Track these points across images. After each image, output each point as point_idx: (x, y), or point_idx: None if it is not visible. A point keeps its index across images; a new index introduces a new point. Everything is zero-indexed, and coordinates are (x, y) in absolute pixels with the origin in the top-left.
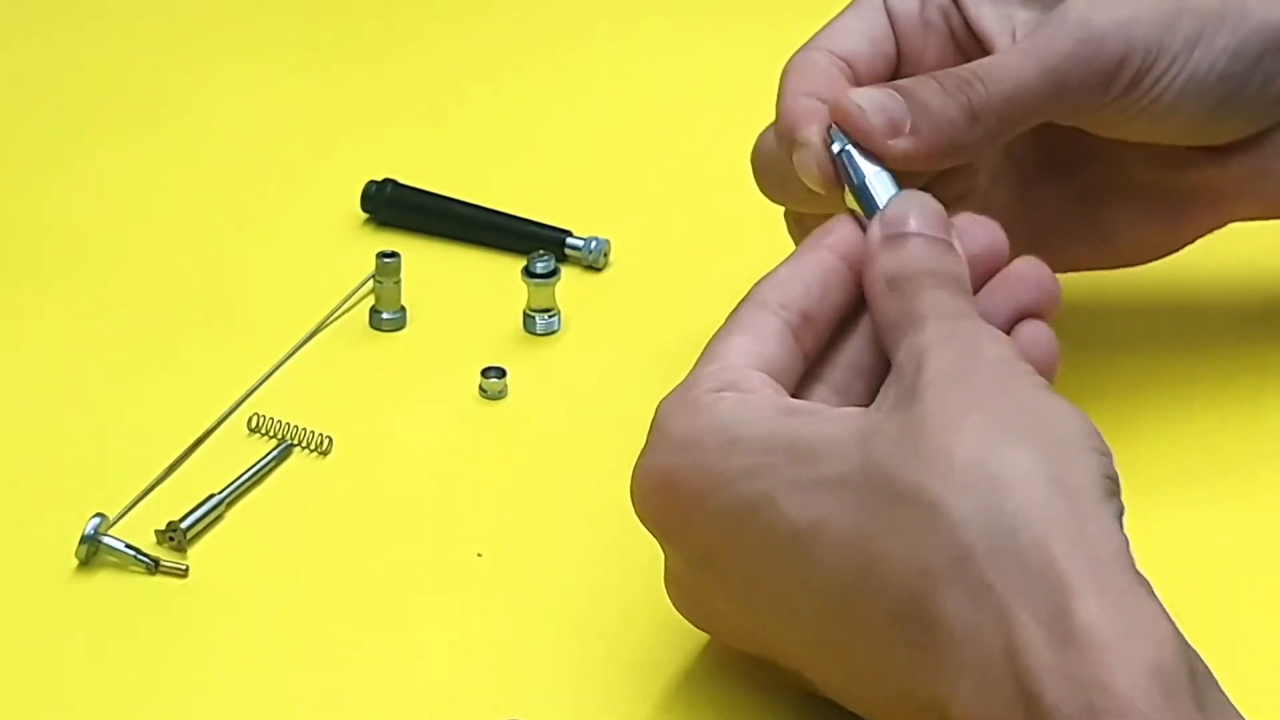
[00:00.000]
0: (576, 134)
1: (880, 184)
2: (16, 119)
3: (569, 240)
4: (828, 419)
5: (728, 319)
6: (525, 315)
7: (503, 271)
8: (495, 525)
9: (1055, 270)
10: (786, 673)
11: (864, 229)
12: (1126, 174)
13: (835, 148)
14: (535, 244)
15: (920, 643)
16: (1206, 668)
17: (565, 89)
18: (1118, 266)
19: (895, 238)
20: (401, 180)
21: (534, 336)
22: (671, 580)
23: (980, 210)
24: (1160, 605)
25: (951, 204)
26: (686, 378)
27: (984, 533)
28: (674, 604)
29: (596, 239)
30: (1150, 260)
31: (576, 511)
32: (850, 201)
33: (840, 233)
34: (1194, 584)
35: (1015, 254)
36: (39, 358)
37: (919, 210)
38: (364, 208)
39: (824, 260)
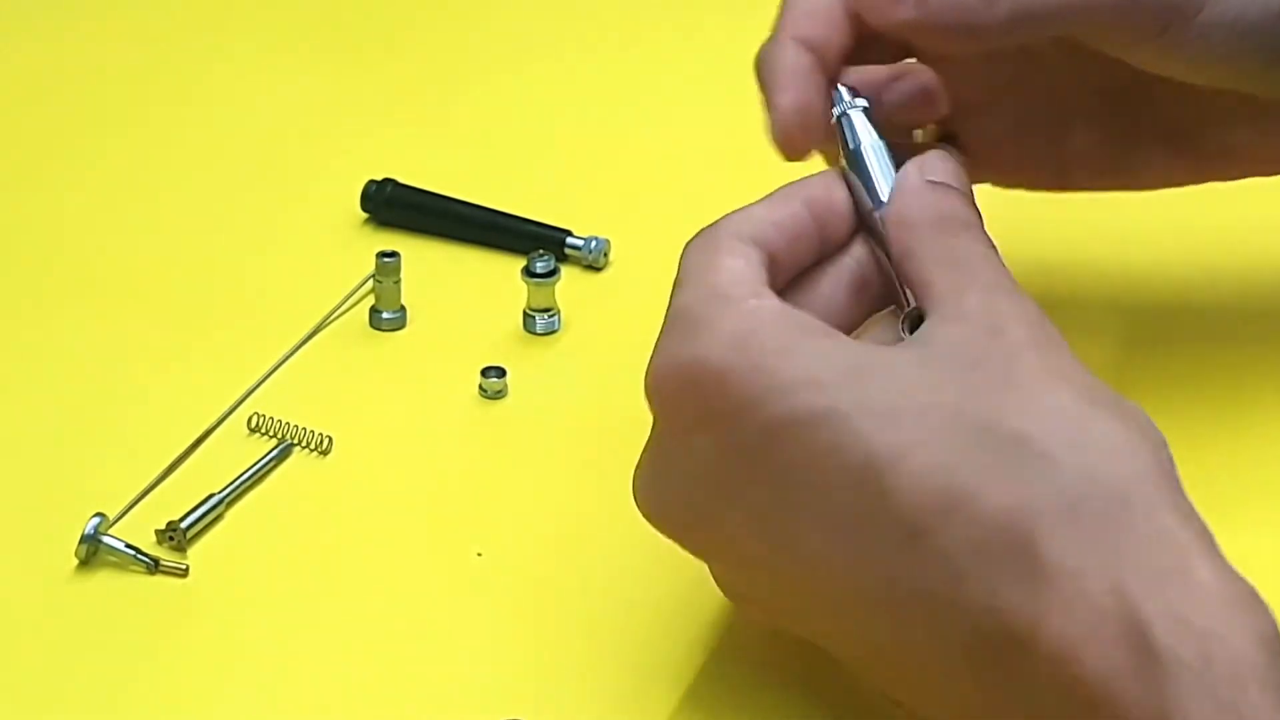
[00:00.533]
0: (576, 134)
1: (876, 155)
2: (17, 119)
3: (569, 240)
4: (889, 348)
5: (697, 246)
6: (525, 315)
7: (503, 271)
8: (495, 525)
9: (1065, 190)
10: (769, 608)
11: (851, 192)
12: (1164, 125)
13: (835, 111)
14: (535, 244)
15: (1010, 577)
16: None
17: (565, 89)
18: (1128, 190)
19: (939, 184)
20: (401, 180)
21: (534, 336)
22: (662, 478)
23: (1004, 147)
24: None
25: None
26: (701, 284)
27: (1095, 491)
28: (649, 504)
29: (596, 239)
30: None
31: (576, 511)
32: (843, 162)
33: (816, 189)
34: None
35: (1038, 184)
36: (39, 358)
37: (954, 172)
38: (364, 208)
39: (797, 212)
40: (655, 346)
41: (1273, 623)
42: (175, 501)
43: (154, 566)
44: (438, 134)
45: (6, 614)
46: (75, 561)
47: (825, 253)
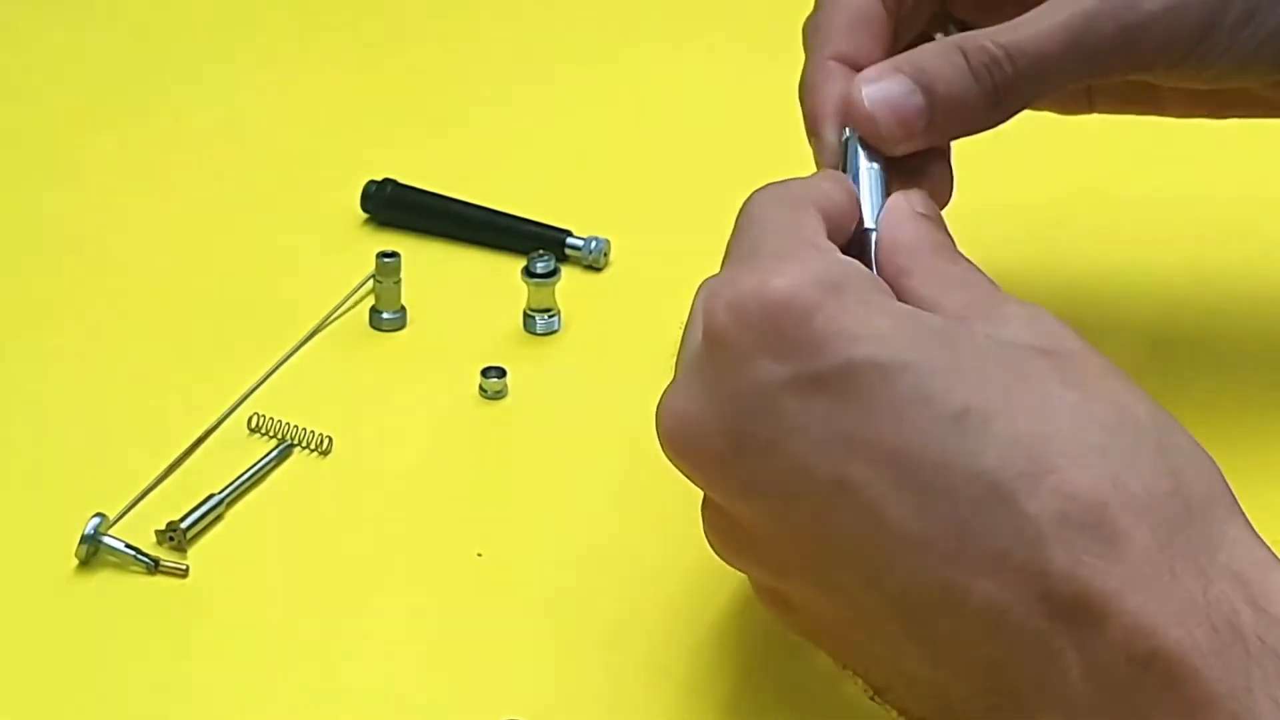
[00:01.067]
0: (576, 134)
1: (871, 182)
2: (16, 118)
3: (569, 240)
4: (969, 322)
5: (773, 200)
6: (525, 315)
7: (503, 271)
8: (495, 525)
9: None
10: (782, 560)
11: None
12: (1187, 85)
13: (847, 131)
14: (535, 244)
15: (1096, 549)
16: None
17: (565, 89)
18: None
19: (927, 217)
20: (401, 180)
21: (534, 336)
22: (708, 406)
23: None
24: None
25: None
26: (778, 226)
27: (1181, 491)
28: (681, 433)
29: (596, 239)
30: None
31: (576, 511)
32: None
33: (845, 183)
34: None
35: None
36: (39, 357)
37: (934, 210)
38: (364, 208)
39: (847, 197)
40: (723, 273)
41: None
42: (175, 501)
43: (154, 566)
44: (438, 134)
45: (6, 614)
46: (75, 561)
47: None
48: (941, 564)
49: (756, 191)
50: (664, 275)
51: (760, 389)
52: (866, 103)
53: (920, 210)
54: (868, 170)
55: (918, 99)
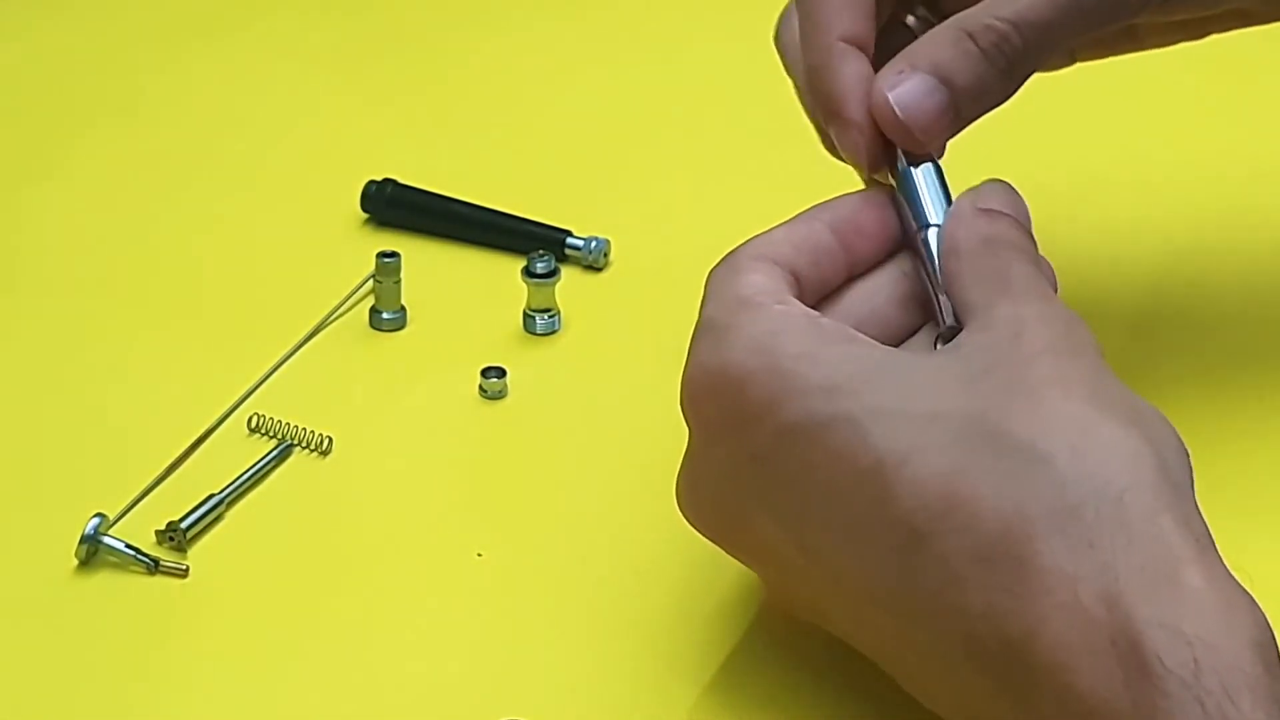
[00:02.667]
0: (576, 134)
1: (926, 178)
2: (16, 117)
3: (569, 240)
4: (908, 354)
5: (719, 268)
6: (525, 315)
7: (503, 271)
8: (495, 525)
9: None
10: (804, 607)
11: (898, 210)
12: (1168, 13)
13: None
14: (535, 244)
15: (1004, 585)
16: None
17: (566, 89)
18: (1130, 53)
19: (990, 211)
20: (401, 180)
21: (534, 336)
22: (698, 484)
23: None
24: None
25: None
26: (728, 294)
27: (1092, 497)
28: (689, 510)
29: (596, 239)
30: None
31: (576, 511)
32: (891, 179)
33: (842, 210)
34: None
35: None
36: (39, 358)
37: (1009, 200)
38: (364, 208)
39: (818, 232)
40: (686, 358)
41: (1268, 631)
42: (175, 501)
43: (154, 566)
44: (438, 134)
45: (6, 614)
46: (75, 561)
47: (855, 271)
48: (889, 613)
49: (710, 272)
50: (664, 275)
51: (727, 466)
52: (899, 111)
53: (987, 205)
54: (926, 168)
55: (941, 95)
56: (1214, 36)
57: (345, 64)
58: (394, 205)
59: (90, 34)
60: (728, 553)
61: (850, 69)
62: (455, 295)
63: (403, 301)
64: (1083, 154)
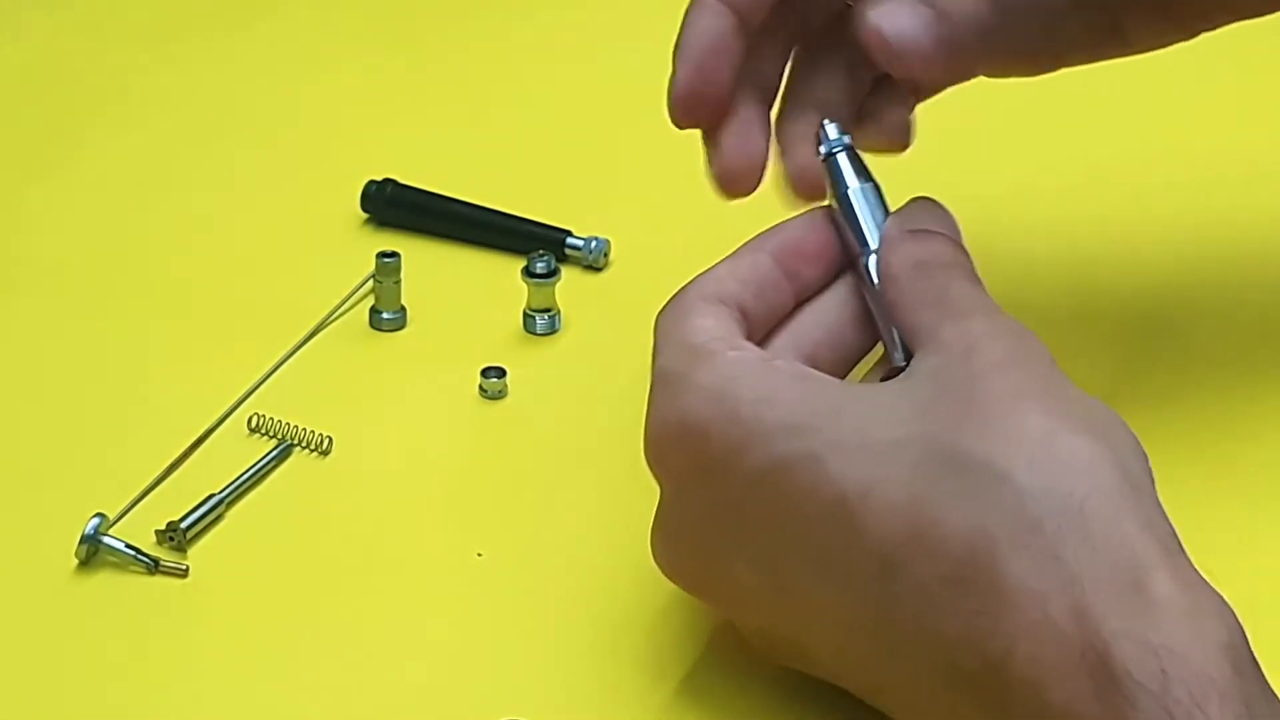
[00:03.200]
0: (577, 134)
1: (862, 200)
2: (14, 117)
3: (569, 240)
4: (861, 386)
5: (666, 313)
6: (525, 315)
7: (503, 271)
8: (495, 525)
9: (1057, 68)
10: (786, 650)
11: (839, 232)
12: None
13: (822, 150)
14: (535, 244)
15: (976, 606)
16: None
17: (566, 89)
18: (1119, 58)
19: (920, 232)
20: (401, 180)
21: (534, 336)
22: (672, 537)
23: (1004, 42)
24: (1224, 597)
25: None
26: (678, 341)
27: (1053, 509)
28: (665, 563)
29: (596, 239)
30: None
31: (576, 511)
32: (831, 202)
33: (785, 236)
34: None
35: (1029, 66)
36: (39, 358)
37: (937, 218)
38: (364, 208)
39: (761, 263)
40: (646, 412)
41: (1238, 632)
42: (175, 501)
43: (154, 566)
44: (438, 134)
45: (6, 614)
46: (75, 561)
47: (802, 297)
48: (870, 643)
49: (658, 314)
50: (664, 275)
51: (698, 516)
52: (890, 39)
53: (916, 226)
54: (859, 191)
55: (935, 24)
56: (1207, 36)
57: (345, 64)
58: (394, 205)
59: (89, 33)
60: (706, 602)
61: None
62: (455, 295)
63: (403, 301)
64: (1079, 155)
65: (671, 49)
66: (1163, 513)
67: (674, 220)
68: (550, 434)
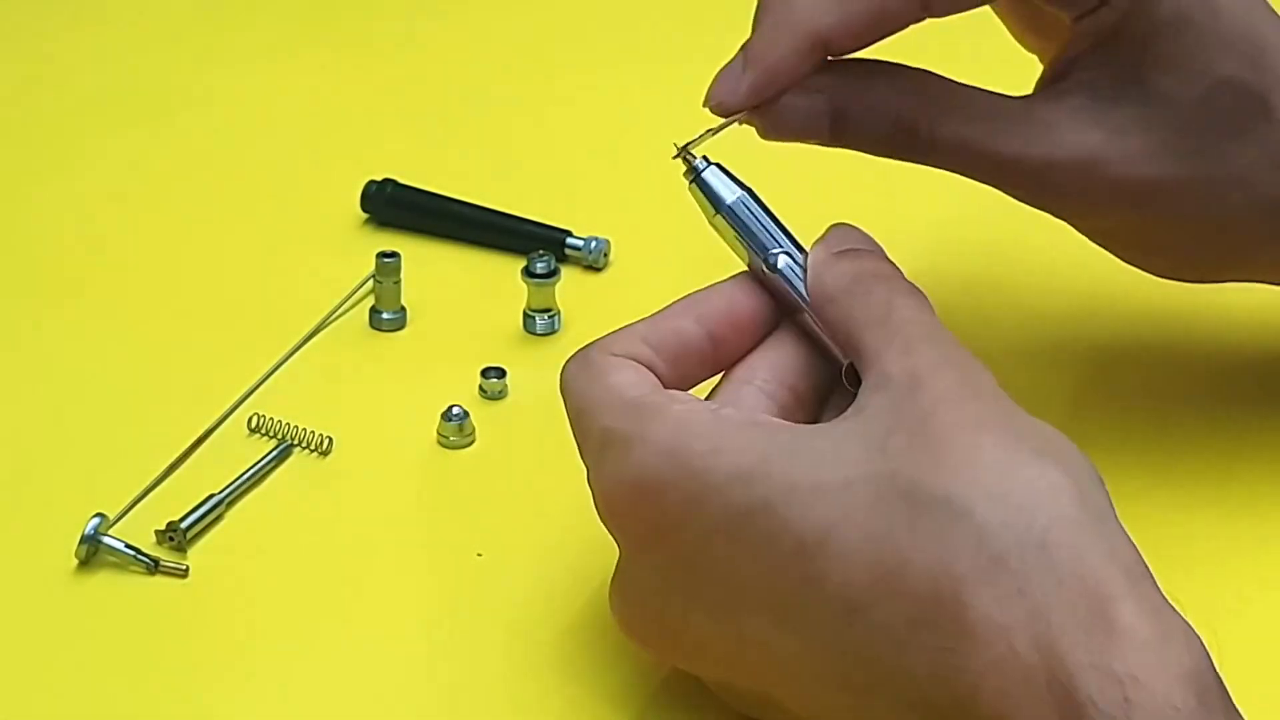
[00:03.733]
0: (576, 134)
1: (750, 208)
2: (16, 119)
3: (569, 240)
4: (813, 428)
5: (576, 375)
6: (525, 315)
7: (503, 271)
8: (495, 525)
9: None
10: (752, 701)
11: (769, 291)
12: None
13: (691, 176)
14: (535, 244)
15: (943, 644)
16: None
17: (565, 89)
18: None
19: (848, 251)
20: (401, 180)
21: (534, 336)
22: (631, 594)
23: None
24: (1190, 623)
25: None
26: (613, 401)
27: (1015, 543)
28: (625, 620)
29: (596, 239)
30: None
31: (576, 511)
32: (718, 228)
33: (712, 303)
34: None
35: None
36: (39, 358)
37: (862, 239)
38: (364, 208)
39: (682, 329)
40: (593, 474)
41: (1202, 657)
42: (175, 501)
43: (154, 566)
44: (438, 134)
45: (6, 614)
46: (75, 561)
47: (721, 366)
48: (839, 688)
49: (562, 375)
50: (664, 275)
51: (657, 573)
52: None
53: (841, 248)
54: (739, 200)
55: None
56: None
57: (345, 64)
58: (394, 205)
59: (89, 37)
60: (667, 660)
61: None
62: (455, 295)
63: (403, 301)
64: None
65: (671, 49)
66: (1126, 537)
67: (674, 220)
68: (550, 434)
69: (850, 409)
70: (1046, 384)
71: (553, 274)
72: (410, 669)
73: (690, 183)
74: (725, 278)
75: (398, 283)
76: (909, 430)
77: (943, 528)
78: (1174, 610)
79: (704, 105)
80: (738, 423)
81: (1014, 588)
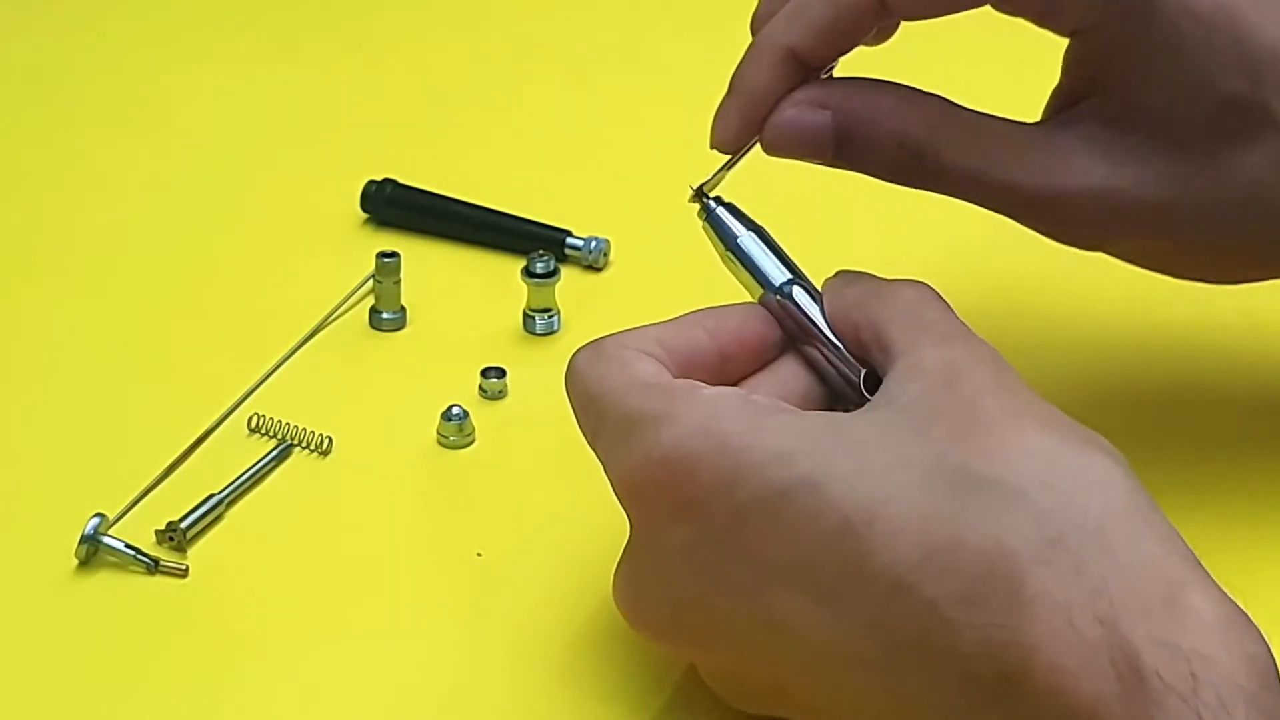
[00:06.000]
0: (576, 134)
1: (757, 248)
2: (16, 119)
3: (569, 240)
4: (846, 415)
5: (592, 362)
6: (525, 315)
7: (503, 271)
8: (495, 525)
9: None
10: (762, 694)
11: (779, 322)
12: None
13: (704, 212)
14: (535, 244)
15: (995, 621)
16: None
17: (565, 89)
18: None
19: (865, 274)
20: (401, 180)
21: (534, 336)
22: (643, 578)
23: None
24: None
25: None
26: (637, 384)
27: (1072, 527)
28: (630, 606)
29: (596, 239)
30: None
31: (576, 511)
32: (729, 265)
33: (725, 320)
34: None
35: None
36: (39, 358)
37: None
38: (364, 208)
39: (696, 337)
40: (613, 455)
41: (1264, 646)
42: (175, 501)
43: (154, 566)
44: (438, 134)
45: (6, 614)
46: (75, 561)
47: (724, 381)
48: (875, 670)
49: (574, 363)
50: (664, 275)
51: (680, 553)
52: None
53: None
54: (748, 237)
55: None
56: None
57: (345, 64)
58: (394, 205)
59: (89, 37)
60: (674, 649)
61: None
62: (455, 295)
63: (403, 301)
64: None
65: (670, 49)
66: (1176, 531)
67: (674, 220)
68: (550, 434)
69: (878, 398)
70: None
71: (553, 274)
72: (410, 669)
73: (704, 222)
74: (739, 303)
75: (398, 283)
76: (951, 417)
77: (997, 508)
78: (1235, 603)
79: (710, 148)
80: (773, 408)
81: (1072, 567)
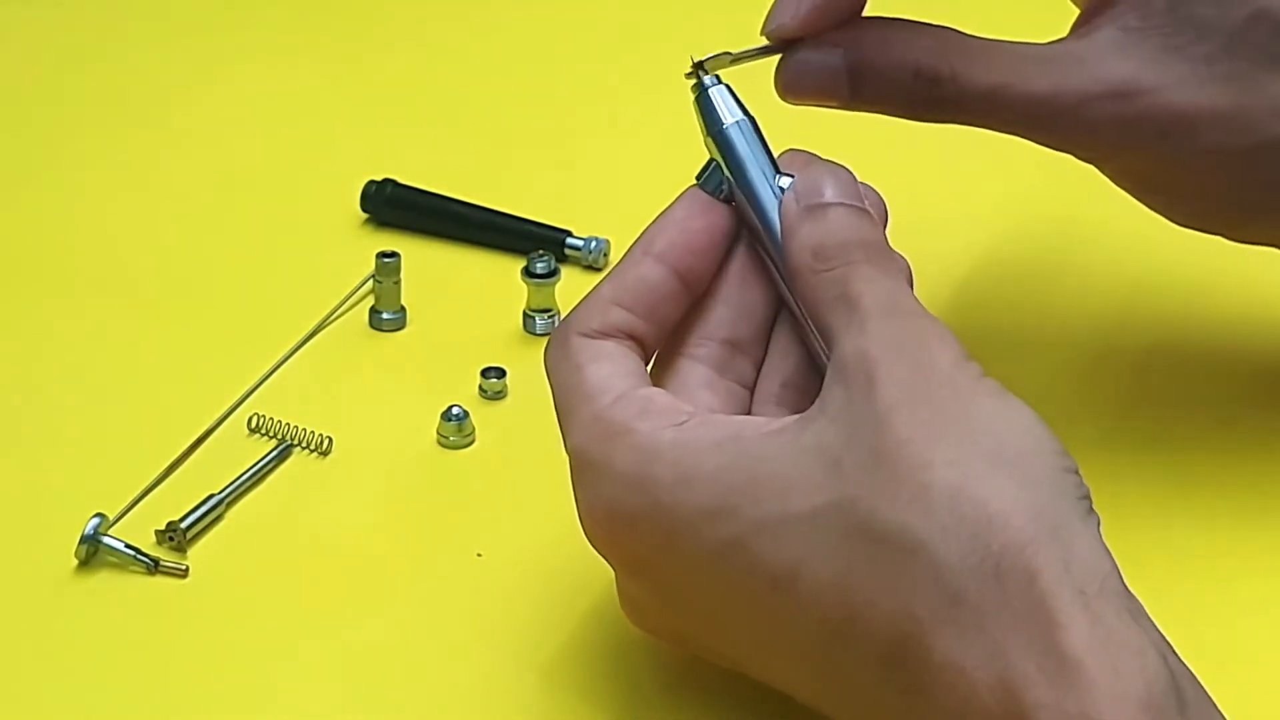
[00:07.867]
0: (576, 134)
1: (741, 137)
2: (16, 119)
3: (569, 240)
4: (778, 439)
5: (556, 357)
6: (525, 315)
7: (503, 271)
8: (495, 525)
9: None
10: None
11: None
12: None
13: (696, 90)
14: (535, 244)
15: (911, 686)
16: (1199, 690)
17: (565, 89)
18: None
19: (816, 208)
20: (401, 180)
21: (534, 336)
22: (631, 602)
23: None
24: (1151, 633)
25: None
26: (585, 413)
27: (972, 576)
28: (630, 615)
29: (596, 239)
30: None
31: (576, 512)
32: (711, 149)
33: (669, 235)
34: (1166, 593)
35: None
36: (39, 358)
37: (834, 180)
38: (364, 208)
39: (648, 275)
40: (574, 490)
41: (1159, 672)
42: (175, 501)
43: (154, 566)
44: (438, 134)
45: (6, 614)
46: (75, 561)
47: (696, 295)
48: (826, 703)
49: (545, 359)
50: None
51: (644, 591)
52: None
53: (814, 200)
54: (735, 126)
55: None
56: None
57: (345, 64)
58: (394, 205)
59: (89, 33)
60: (676, 649)
61: None
62: (455, 295)
63: (403, 301)
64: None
65: (670, 49)
66: (1088, 541)
67: None
68: (550, 434)
69: (816, 402)
70: (1057, 383)
71: (553, 274)
72: (410, 669)
73: (695, 99)
74: (672, 201)
75: (398, 283)
76: (863, 444)
77: (901, 564)
78: (1129, 624)
79: (762, 33)
80: (703, 443)
81: (974, 625)
